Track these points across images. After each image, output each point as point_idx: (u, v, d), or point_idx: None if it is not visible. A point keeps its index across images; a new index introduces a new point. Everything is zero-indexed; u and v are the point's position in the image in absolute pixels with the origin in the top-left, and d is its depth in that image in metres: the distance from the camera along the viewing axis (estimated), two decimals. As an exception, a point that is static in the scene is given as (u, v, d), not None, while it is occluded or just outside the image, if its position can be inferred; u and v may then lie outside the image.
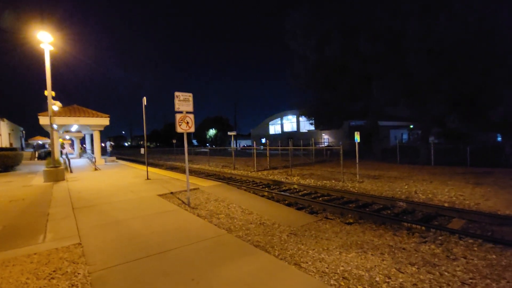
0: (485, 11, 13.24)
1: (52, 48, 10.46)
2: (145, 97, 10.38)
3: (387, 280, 3.11)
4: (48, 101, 10.88)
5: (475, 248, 4.20)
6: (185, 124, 6.22)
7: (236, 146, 58.17)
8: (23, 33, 10.17)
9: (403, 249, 4.15)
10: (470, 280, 3.13)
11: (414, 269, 3.40)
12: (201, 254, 3.64)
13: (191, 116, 6.33)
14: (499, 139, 23.91)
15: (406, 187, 9.59)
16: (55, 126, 13.65)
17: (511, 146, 15.58)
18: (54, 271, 3.21)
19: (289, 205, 7.76)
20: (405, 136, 40.29)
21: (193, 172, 16.99)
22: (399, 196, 8.24)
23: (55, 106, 14.10)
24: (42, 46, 10.24)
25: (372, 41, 16.97)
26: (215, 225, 5.10)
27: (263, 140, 51.17)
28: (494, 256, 3.84)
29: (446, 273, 3.29)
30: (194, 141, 69.41)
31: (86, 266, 3.27)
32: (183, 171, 10.92)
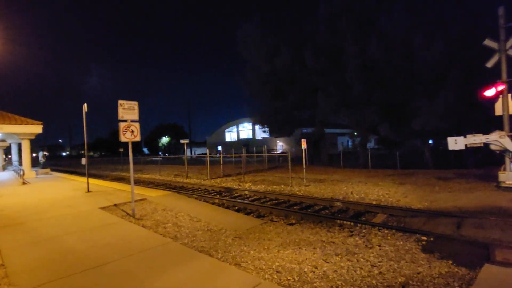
0: (407, 37, 15.66)
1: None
2: (85, 104, 9.70)
3: (314, 270, 3.56)
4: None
5: (389, 237, 4.99)
6: (130, 133, 6.09)
7: (191, 154, 56.62)
8: None
9: (333, 242, 4.73)
10: (379, 263, 3.77)
11: (338, 258, 3.95)
12: (143, 264, 3.64)
13: (137, 125, 6.23)
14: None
15: (345, 188, 10.66)
16: (-29, 135, 11.74)
17: (428, 151, 18.44)
18: (-31, 296, 2.91)
19: (238, 210, 8.01)
20: (350, 143, 44.25)
21: (141, 183, 16.16)
22: (338, 197, 9.16)
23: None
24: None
25: (316, 56, 18.56)
26: (161, 234, 5.09)
27: (219, 148, 50.90)
28: (401, 243, 4.64)
29: (362, 259, 3.90)
30: (145, 150, 65.56)
31: (10, 287, 3.03)
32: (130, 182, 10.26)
